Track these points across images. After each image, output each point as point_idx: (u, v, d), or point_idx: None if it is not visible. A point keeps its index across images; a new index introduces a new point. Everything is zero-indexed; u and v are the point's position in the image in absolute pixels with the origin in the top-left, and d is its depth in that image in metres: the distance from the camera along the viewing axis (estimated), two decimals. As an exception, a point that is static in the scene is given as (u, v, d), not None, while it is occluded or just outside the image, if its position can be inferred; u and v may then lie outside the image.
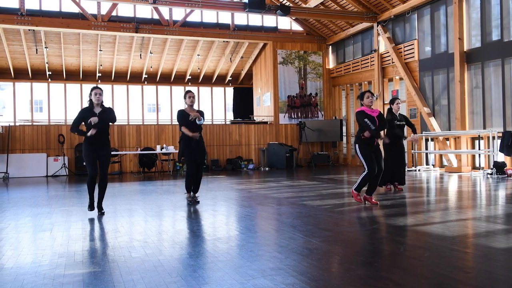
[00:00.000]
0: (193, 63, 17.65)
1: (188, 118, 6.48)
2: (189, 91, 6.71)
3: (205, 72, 18.46)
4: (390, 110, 7.47)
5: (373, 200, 6.00)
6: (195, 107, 6.91)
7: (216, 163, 15.04)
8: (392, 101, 7.49)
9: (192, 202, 6.61)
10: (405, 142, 7.95)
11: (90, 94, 5.69)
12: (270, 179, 10.88)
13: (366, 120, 5.75)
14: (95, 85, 5.83)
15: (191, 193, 6.70)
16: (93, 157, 5.64)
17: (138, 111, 18.32)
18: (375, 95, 6.14)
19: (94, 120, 5.42)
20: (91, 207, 5.76)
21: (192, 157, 6.55)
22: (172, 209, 6.26)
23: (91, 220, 5.35)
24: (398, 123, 7.40)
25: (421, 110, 12.66)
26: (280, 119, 16.31)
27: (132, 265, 3.33)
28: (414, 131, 7.81)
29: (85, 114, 5.60)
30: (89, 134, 5.49)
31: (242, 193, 8.14)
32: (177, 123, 6.75)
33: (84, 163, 5.89)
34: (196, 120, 6.49)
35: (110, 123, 5.79)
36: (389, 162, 7.25)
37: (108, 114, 5.65)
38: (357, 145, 5.95)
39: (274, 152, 15.20)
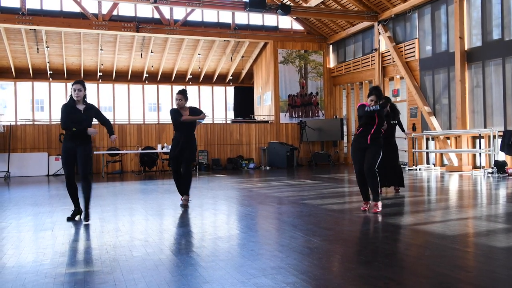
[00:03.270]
0: (194, 63, 17.66)
1: (180, 117, 6.25)
2: (177, 93, 6.37)
3: (206, 71, 18.47)
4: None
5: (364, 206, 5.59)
6: (189, 105, 6.61)
7: (217, 162, 15.04)
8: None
9: (182, 205, 6.31)
10: (404, 141, 7.55)
11: (71, 90, 5.25)
12: (271, 178, 10.89)
13: (365, 109, 5.41)
14: (77, 80, 5.36)
15: (184, 195, 6.39)
16: (69, 156, 5.23)
17: (139, 111, 18.34)
18: (379, 102, 5.64)
19: (93, 132, 5.19)
20: (73, 214, 5.31)
21: (175, 156, 6.30)
22: (173, 208, 6.26)
23: (92, 220, 5.35)
24: (391, 122, 7.06)
25: (422, 109, 12.65)
26: (281, 118, 16.31)
27: (133, 264, 3.34)
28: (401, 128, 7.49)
29: (68, 110, 5.21)
30: (90, 132, 5.19)
31: (242, 192, 8.15)
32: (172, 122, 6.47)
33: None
34: (199, 120, 6.39)
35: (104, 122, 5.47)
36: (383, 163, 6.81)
37: (94, 113, 5.33)
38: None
39: (274, 151, 15.20)
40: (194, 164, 13.57)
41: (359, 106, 5.59)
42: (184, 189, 6.39)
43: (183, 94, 6.37)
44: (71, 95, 5.24)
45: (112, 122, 5.58)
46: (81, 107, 5.27)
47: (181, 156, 6.32)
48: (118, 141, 14.24)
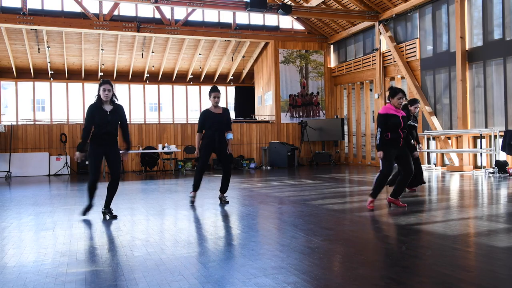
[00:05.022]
0: (194, 62, 17.66)
1: (211, 118, 6.22)
2: (214, 90, 6.35)
3: (207, 71, 18.47)
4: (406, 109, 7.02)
5: (401, 203, 5.69)
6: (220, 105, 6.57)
7: (217, 162, 15.04)
8: (411, 102, 6.95)
9: (223, 201, 6.48)
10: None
11: (99, 89, 5.14)
12: (272, 178, 10.88)
13: (379, 132, 5.46)
14: (105, 79, 5.24)
15: (197, 192, 6.49)
16: (99, 161, 5.20)
17: (140, 110, 18.34)
18: (404, 98, 5.68)
19: (78, 157, 5.08)
20: (87, 210, 5.34)
21: (208, 155, 6.34)
22: (174, 208, 6.27)
23: (93, 219, 5.36)
24: (412, 123, 7.04)
25: (423, 109, 12.64)
26: (282, 118, 16.31)
27: (134, 264, 3.34)
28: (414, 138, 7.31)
29: (94, 112, 5.11)
30: (76, 158, 5.12)
31: (243, 192, 8.14)
32: (198, 122, 6.46)
33: (87, 163, 5.34)
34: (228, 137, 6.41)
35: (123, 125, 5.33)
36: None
37: (120, 116, 5.23)
38: None
39: (275, 151, 15.20)
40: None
41: (380, 115, 5.55)
42: (226, 188, 6.53)
43: (219, 91, 6.40)
44: (99, 95, 5.15)
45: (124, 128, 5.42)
46: (108, 108, 5.18)
47: (221, 155, 6.37)
48: (119, 141, 14.24)
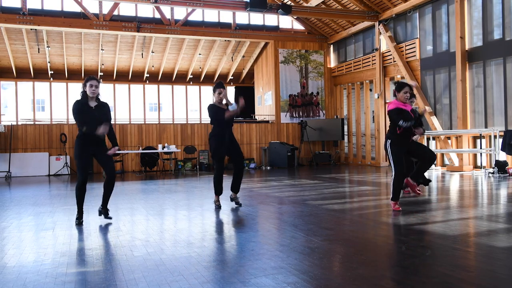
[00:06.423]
0: (194, 62, 17.67)
1: (220, 113, 5.95)
2: (219, 86, 6.07)
3: (207, 71, 18.47)
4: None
5: (417, 190, 5.58)
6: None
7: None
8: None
9: (236, 203, 6.21)
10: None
11: (85, 85, 4.95)
12: (272, 178, 10.88)
13: (401, 121, 5.23)
14: (91, 76, 5.06)
15: (220, 196, 6.17)
16: (86, 160, 4.96)
17: (140, 110, 18.35)
18: (411, 90, 5.50)
19: (102, 131, 4.85)
20: (79, 219, 5.01)
21: (223, 155, 6.09)
22: (174, 208, 6.26)
23: (93, 219, 5.35)
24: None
25: (423, 109, 12.63)
26: (282, 118, 16.31)
27: (134, 264, 3.34)
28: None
29: (80, 108, 4.92)
30: (100, 132, 4.83)
31: (243, 192, 8.14)
32: (209, 118, 6.16)
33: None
34: (229, 107, 6.02)
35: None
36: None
37: (105, 112, 5.05)
38: (389, 141, 5.38)
39: (275, 151, 15.20)
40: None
41: (392, 110, 5.39)
42: (238, 187, 6.27)
43: (224, 87, 6.16)
44: (84, 91, 4.99)
45: (113, 122, 5.15)
46: (92, 104, 5.01)
47: (233, 153, 6.17)
48: (119, 141, 14.26)
